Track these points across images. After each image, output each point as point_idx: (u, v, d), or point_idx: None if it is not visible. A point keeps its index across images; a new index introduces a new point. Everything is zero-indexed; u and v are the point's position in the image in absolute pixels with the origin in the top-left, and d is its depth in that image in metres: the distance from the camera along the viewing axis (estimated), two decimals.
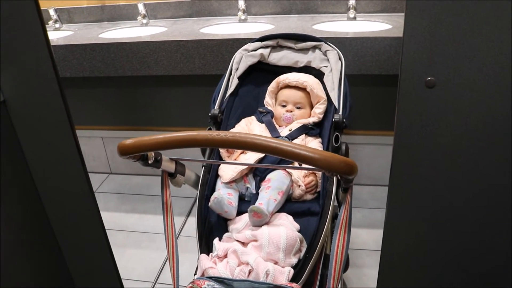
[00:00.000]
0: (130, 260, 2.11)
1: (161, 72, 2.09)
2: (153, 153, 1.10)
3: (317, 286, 1.25)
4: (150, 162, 1.10)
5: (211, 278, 1.11)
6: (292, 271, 1.16)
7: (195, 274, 1.33)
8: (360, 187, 2.47)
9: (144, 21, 2.45)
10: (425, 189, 0.87)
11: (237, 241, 1.23)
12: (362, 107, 2.15)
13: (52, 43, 2.14)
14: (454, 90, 0.78)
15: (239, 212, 1.34)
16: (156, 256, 2.12)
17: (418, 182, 0.86)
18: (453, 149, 0.82)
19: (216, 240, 1.25)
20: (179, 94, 2.37)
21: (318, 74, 1.58)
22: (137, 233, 2.29)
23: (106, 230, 1.25)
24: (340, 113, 1.43)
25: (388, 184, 0.88)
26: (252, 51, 1.62)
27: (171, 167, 1.22)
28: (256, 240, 1.19)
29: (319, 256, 1.26)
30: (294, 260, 1.19)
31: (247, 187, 1.39)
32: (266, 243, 1.17)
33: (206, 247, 1.28)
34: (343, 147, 1.39)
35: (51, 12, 2.53)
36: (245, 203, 1.37)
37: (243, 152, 1.47)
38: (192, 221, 2.29)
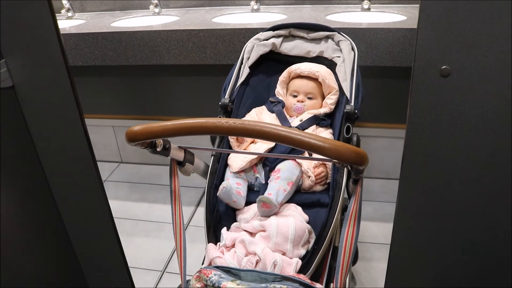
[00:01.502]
0: (139, 249, 2.12)
1: (173, 61, 2.08)
2: (161, 141, 1.10)
3: (325, 278, 1.23)
4: (158, 149, 1.10)
5: (218, 267, 1.11)
6: (300, 262, 1.15)
7: (202, 263, 1.32)
8: (371, 180, 2.45)
9: (156, 10, 2.44)
10: (438, 181, 0.85)
11: (245, 231, 1.22)
12: (374, 99, 2.12)
13: (64, 32, 2.16)
14: (469, 80, 0.76)
15: (248, 202, 1.33)
16: (165, 245, 2.13)
17: (431, 174, 0.84)
18: (468, 139, 0.80)
19: (224, 230, 1.24)
20: (190, 84, 2.36)
21: (330, 65, 1.56)
22: (146, 222, 2.30)
23: (115, 219, 1.25)
24: (352, 104, 1.41)
25: (400, 175, 0.86)
26: (264, 40, 1.61)
27: (180, 155, 1.21)
28: (264, 230, 1.18)
29: (328, 248, 1.24)
30: (302, 251, 1.18)
31: (256, 177, 1.38)
32: (274, 233, 1.16)
33: (214, 236, 1.28)
34: (354, 138, 1.37)
35: (64, 1, 2.53)
36: (254, 193, 1.36)
37: (253, 142, 1.46)
38: (201, 211, 2.29)
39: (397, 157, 2.34)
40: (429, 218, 0.90)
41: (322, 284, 1.21)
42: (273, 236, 1.16)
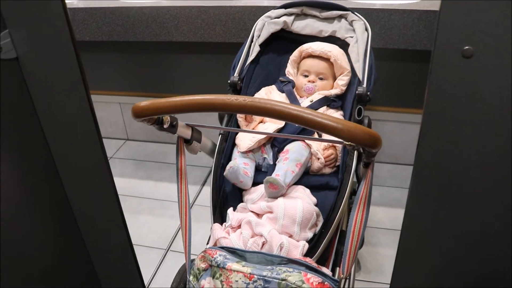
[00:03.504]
0: (143, 226, 2.12)
1: (181, 38, 2.05)
2: (168, 118, 1.07)
3: (331, 262, 1.22)
4: (165, 126, 1.07)
5: (223, 248, 1.09)
6: (306, 245, 1.13)
7: (207, 243, 1.31)
8: (379, 165, 2.42)
9: None
10: (454, 166, 0.82)
11: (252, 212, 1.21)
12: (386, 82, 2.08)
13: (71, 6, 2.12)
14: (493, 61, 0.72)
15: (255, 183, 1.30)
16: (170, 223, 2.12)
17: (447, 159, 0.81)
18: (488, 124, 0.76)
19: (230, 210, 1.22)
20: (198, 61, 2.31)
21: (343, 45, 1.52)
22: (152, 200, 2.29)
23: (120, 196, 1.24)
24: (364, 85, 1.37)
25: (414, 159, 0.83)
26: (275, 18, 1.56)
27: (187, 133, 1.18)
28: (271, 212, 1.16)
29: (335, 231, 1.22)
30: (310, 234, 1.16)
31: (264, 158, 1.35)
32: (282, 215, 1.14)
33: (219, 216, 1.26)
34: (366, 121, 1.34)
35: None
36: (261, 173, 1.33)
37: (261, 121, 1.43)
38: (207, 190, 2.27)
39: (406, 142, 2.33)
40: (444, 204, 0.87)
41: (328, 268, 1.20)
42: (280, 218, 1.14)
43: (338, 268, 1.22)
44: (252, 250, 1.09)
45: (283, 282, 0.98)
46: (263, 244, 1.11)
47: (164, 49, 2.29)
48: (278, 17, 1.57)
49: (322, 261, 1.20)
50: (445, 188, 0.85)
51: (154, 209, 2.23)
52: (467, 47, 0.72)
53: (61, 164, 1.14)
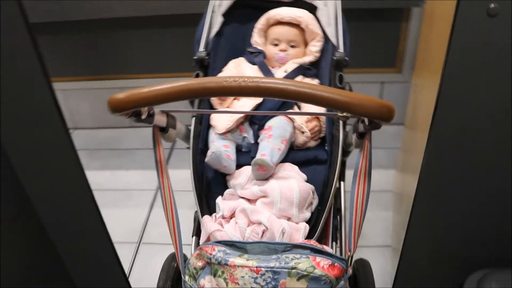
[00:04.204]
0: (108, 220, 1.91)
1: (127, 13, 1.86)
2: (146, 107, 0.94)
3: (330, 238, 1.16)
4: (143, 117, 0.95)
5: (220, 242, 1.00)
6: (307, 226, 1.07)
7: (193, 234, 1.22)
8: (349, 127, 2.38)
9: None
10: (473, 131, 0.77)
11: (243, 198, 1.12)
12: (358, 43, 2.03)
13: None
14: None
15: (238, 165, 1.21)
16: (136, 214, 2.00)
17: (466, 122, 0.76)
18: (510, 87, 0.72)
19: (219, 199, 1.13)
20: (152, 37, 2.12)
21: (311, 9, 1.42)
22: (112, 191, 2.14)
23: None
24: (341, 50, 1.30)
25: (431, 123, 0.77)
26: None
27: (162, 120, 1.06)
28: (265, 196, 1.08)
29: (331, 207, 1.17)
30: (308, 214, 1.10)
31: (244, 137, 1.26)
32: (278, 198, 1.06)
33: (207, 207, 1.16)
34: (347, 88, 1.28)
35: None
36: (243, 154, 1.24)
37: (236, 99, 1.33)
38: (176, 173, 2.18)
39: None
40: (459, 172, 0.83)
41: (328, 245, 1.15)
42: (277, 201, 1.06)
43: (334, 243, 1.17)
44: (253, 241, 1.01)
45: (293, 270, 0.91)
46: (263, 232, 1.03)
47: (109, 27, 2.09)
48: None
49: (320, 238, 1.14)
50: (461, 156, 0.81)
51: (117, 200, 2.08)
52: (493, 5, 0.66)
53: (21, 162, 0.99)
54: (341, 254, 1.19)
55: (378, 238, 1.77)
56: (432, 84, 1.16)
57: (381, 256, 1.71)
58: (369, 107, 0.74)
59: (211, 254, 0.96)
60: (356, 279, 1.27)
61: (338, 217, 1.26)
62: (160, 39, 2.11)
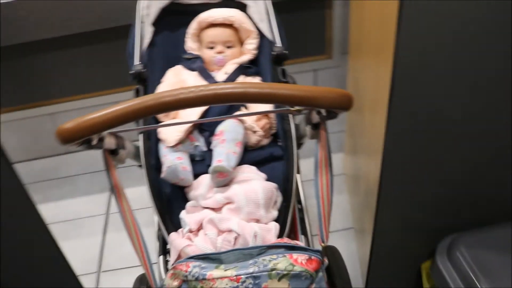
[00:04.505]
0: None
1: (45, 35, 1.76)
2: None
3: (299, 232, 1.17)
4: (94, 143, 0.89)
5: (193, 257, 0.97)
6: (277, 225, 1.06)
7: (160, 253, 1.17)
8: None
9: None
10: (430, 109, 0.79)
11: (207, 208, 1.09)
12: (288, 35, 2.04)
13: None
14: None
15: (195, 175, 1.17)
16: (90, 243, 1.90)
17: (422, 101, 0.78)
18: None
19: (183, 214, 1.09)
20: (77, 56, 2.01)
21: (241, 7, 1.41)
22: (60, 224, 2.02)
23: None
24: (279, 44, 1.30)
25: (388, 105, 0.79)
26: None
27: (112, 142, 1.01)
28: (230, 202, 1.06)
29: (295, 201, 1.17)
30: (275, 213, 1.09)
31: (196, 146, 1.22)
32: (244, 202, 1.04)
33: (171, 224, 1.12)
34: (291, 81, 1.28)
35: None
36: (198, 163, 1.21)
37: None
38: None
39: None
40: (420, 150, 0.85)
41: (298, 239, 1.15)
42: (244, 205, 1.04)
43: (303, 237, 1.18)
44: (226, 250, 0.98)
45: (273, 272, 0.90)
46: (235, 239, 1.01)
47: (29, 52, 1.95)
48: None
49: (289, 234, 1.14)
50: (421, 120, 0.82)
51: (66, 231, 1.97)
52: None
53: None
54: (308, 245, 1.19)
55: (339, 223, 1.80)
56: (372, 64, 1.19)
57: (345, 240, 1.74)
58: (331, 98, 0.74)
59: (186, 271, 0.93)
60: (328, 267, 1.28)
61: (301, 209, 1.26)
62: (87, 57, 2.00)
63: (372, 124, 1.13)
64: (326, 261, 0.97)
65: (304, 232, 1.19)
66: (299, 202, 1.26)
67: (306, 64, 2.20)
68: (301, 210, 1.25)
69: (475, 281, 0.92)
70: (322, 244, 1.02)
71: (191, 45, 1.39)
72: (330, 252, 1.32)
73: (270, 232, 1.04)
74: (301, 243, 1.11)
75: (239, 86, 0.71)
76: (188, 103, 0.70)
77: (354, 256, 1.69)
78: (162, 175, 1.11)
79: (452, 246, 0.99)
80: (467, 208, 0.99)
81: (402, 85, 0.75)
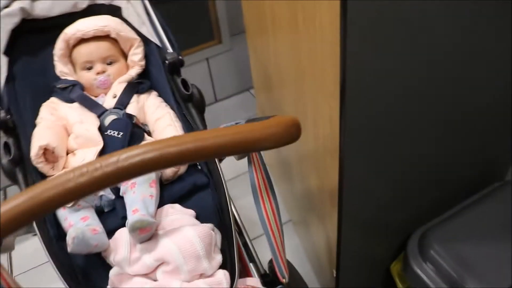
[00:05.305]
0: None
1: None
2: None
3: (246, 258, 1.01)
4: None
5: None
6: (227, 273, 0.88)
7: None
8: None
9: None
10: (383, 93, 0.67)
11: (137, 276, 0.88)
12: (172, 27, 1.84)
13: None
14: None
15: (108, 232, 0.95)
16: None
17: (375, 87, 0.66)
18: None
19: None
20: None
21: (113, 12, 1.17)
22: None
23: None
24: (170, 50, 1.09)
25: (340, 93, 0.65)
26: (5, 8, 1.09)
27: None
28: (164, 263, 0.86)
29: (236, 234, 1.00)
30: (219, 257, 0.90)
31: (101, 196, 0.99)
32: (182, 260, 0.84)
33: None
34: (195, 91, 1.09)
35: None
36: (109, 216, 0.98)
37: (71, 153, 1.04)
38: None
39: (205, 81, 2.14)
40: (380, 135, 0.74)
41: (249, 271, 0.99)
42: (182, 264, 0.84)
43: (252, 264, 1.02)
44: None
45: None
46: None
47: None
48: (7, 6, 1.10)
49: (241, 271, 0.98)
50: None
51: None
52: None
53: None
54: (259, 271, 1.04)
55: None
56: (276, 40, 1.09)
57: (285, 234, 1.62)
58: (277, 136, 0.57)
59: None
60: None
61: (239, 231, 1.10)
62: None
63: (287, 99, 1.01)
64: None
65: (251, 259, 1.04)
66: (237, 224, 1.10)
67: (197, 54, 2.01)
68: (240, 233, 1.10)
69: (460, 282, 0.84)
70: (283, 280, 0.88)
71: (62, 69, 1.12)
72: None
73: (220, 284, 0.86)
74: (254, 279, 0.95)
75: (150, 149, 0.51)
76: (81, 191, 0.49)
77: (300, 250, 1.59)
78: (69, 249, 0.87)
79: (423, 244, 0.91)
80: (427, 199, 0.92)
81: (354, 69, 0.63)
